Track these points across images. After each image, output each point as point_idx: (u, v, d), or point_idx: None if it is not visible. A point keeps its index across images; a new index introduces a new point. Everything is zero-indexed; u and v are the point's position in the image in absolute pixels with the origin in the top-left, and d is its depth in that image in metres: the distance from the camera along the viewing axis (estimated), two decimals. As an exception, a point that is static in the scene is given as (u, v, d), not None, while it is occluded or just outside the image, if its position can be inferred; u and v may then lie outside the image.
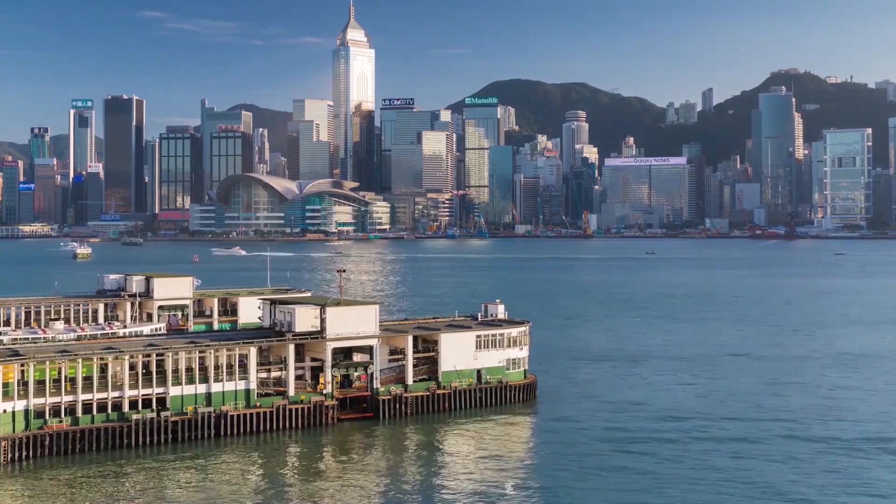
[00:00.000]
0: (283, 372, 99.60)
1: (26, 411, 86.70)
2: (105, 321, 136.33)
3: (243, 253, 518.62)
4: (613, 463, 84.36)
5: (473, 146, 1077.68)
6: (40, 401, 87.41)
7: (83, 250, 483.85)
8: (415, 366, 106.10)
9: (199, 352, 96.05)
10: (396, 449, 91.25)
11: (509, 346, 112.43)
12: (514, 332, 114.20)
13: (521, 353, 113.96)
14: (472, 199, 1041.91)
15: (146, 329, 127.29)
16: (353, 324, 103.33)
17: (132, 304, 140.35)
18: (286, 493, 76.79)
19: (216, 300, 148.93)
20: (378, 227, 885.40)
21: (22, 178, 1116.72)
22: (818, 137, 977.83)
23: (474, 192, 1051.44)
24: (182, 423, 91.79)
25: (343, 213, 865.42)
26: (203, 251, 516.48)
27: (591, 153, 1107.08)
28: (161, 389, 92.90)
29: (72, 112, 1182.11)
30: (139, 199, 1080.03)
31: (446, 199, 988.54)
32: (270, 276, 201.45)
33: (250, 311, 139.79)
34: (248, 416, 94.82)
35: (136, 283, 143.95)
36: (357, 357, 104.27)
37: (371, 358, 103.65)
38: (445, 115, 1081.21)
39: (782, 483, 78.02)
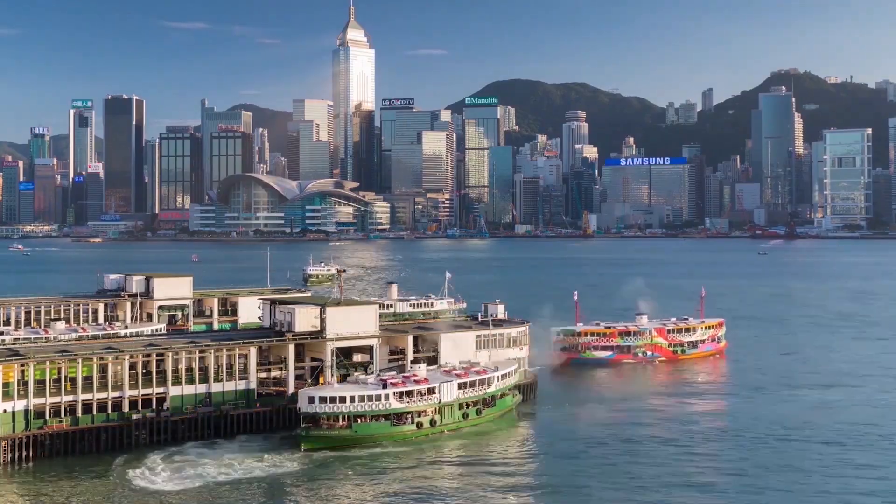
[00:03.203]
0: (284, 372, 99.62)
1: (26, 411, 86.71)
2: (105, 321, 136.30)
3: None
4: (614, 463, 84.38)
5: (473, 146, 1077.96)
6: (40, 401, 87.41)
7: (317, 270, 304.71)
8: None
9: (199, 352, 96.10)
10: (395, 449, 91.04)
11: (509, 346, 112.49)
12: (514, 332, 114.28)
13: (521, 353, 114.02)
14: (473, 199, 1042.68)
15: (146, 329, 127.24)
16: (353, 324, 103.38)
17: (132, 304, 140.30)
18: (286, 493, 76.87)
19: (216, 300, 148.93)
20: (378, 227, 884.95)
21: (22, 178, 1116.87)
22: (818, 137, 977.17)
23: (474, 192, 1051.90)
24: (182, 423, 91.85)
25: (343, 213, 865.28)
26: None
27: (591, 153, 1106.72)
28: (161, 389, 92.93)
29: (72, 112, 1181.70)
30: (139, 199, 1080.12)
31: (446, 199, 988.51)
32: (270, 277, 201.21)
33: (250, 311, 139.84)
34: (248, 416, 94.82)
35: (136, 283, 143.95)
36: (357, 357, 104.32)
37: (371, 358, 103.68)
38: (445, 115, 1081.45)
39: (785, 486, 78.05)
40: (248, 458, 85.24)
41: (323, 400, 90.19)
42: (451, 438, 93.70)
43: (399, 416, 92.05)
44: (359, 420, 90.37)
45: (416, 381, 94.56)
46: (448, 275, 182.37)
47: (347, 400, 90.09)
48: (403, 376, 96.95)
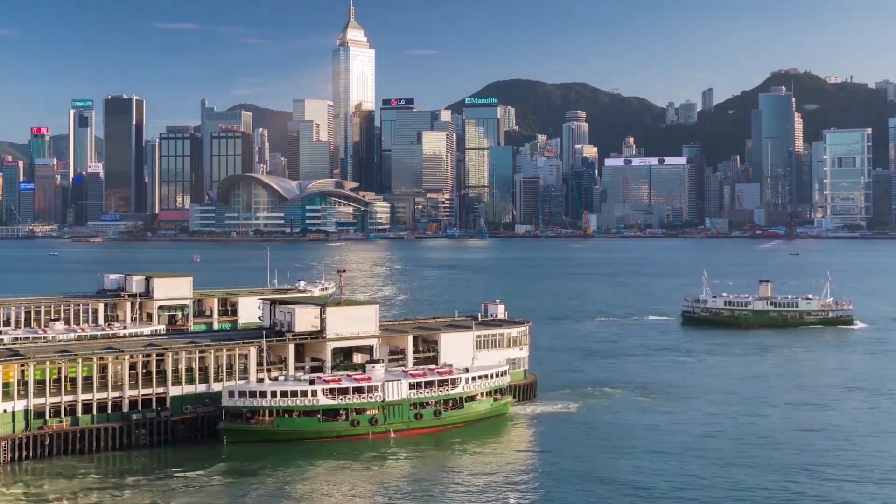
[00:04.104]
0: (284, 372, 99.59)
1: (26, 411, 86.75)
2: (105, 321, 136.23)
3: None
4: (614, 464, 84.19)
5: (473, 146, 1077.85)
6: (40, 401, 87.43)
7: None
8: (414, 365, 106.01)
9: (200, 352, 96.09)
10: (394, 449, 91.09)
11: (509, 346, 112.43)
12: (514, 332, 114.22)
13: (522, 353, 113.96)
14: (473, 199, 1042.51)
15: (146, 329, 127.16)
16: (353, 324, 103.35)
17: (132, 304, 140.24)
18: (286, 493, 76.85)
19: (216, 300, 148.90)
20: (378, 227, 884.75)
21: (22, 178, 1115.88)
22: (818, 137, 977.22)
23: (474, 192, 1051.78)
24: (182, 423, 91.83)
25: (343, 213, 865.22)
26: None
27: (591, 153, 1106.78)
28: (161, 389, 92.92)
29: (72, 112, 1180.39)
30: (139, 199, 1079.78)
31: (446, 199, 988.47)
32: (270, 277, 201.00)
33: (250, 311, 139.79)
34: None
35: (136, 283, 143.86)
36: (357, 357, 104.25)
37: (371, 358, 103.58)
38: (445, 115, 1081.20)
39: (781, 490, 78.04)
40: (247, 458, 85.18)
41: (243, 394, 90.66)
42: (397, 440, 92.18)
43: (329, 413, 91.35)
44: (284, 415, 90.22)
45: (356, 379, 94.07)
46: (828, 275, 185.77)
47: (269, 395, 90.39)
48: (347, 374, 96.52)
